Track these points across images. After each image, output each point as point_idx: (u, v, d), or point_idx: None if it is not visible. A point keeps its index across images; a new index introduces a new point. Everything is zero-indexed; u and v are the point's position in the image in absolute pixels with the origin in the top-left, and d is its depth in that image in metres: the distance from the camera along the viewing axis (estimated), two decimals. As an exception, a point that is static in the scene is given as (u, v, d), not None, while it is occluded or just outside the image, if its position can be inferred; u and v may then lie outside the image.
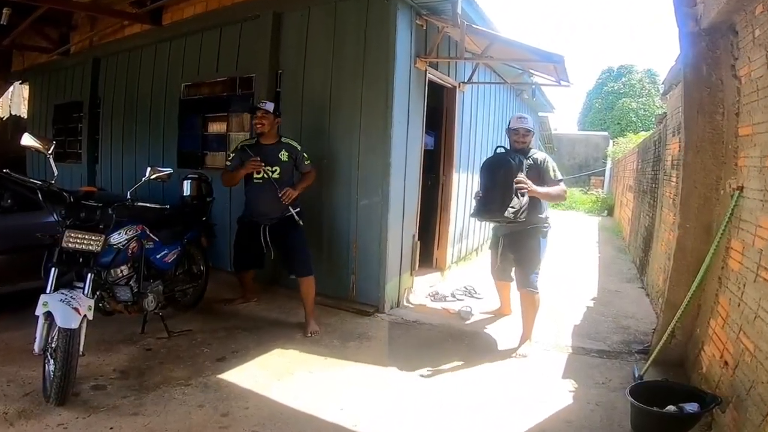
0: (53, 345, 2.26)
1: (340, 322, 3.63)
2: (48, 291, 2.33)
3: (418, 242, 4.31)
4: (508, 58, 4.88)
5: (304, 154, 3.54)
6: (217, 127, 5.00)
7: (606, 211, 13.08)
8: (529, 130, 3.34)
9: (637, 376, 2.66)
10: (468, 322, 3.79)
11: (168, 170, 2.91)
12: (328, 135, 4.04)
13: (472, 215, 3.57)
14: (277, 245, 3.48)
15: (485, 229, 6.22)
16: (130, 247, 2.87)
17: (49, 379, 2.25)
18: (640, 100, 23.52)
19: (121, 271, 2.88)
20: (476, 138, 5.79)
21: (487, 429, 2.32)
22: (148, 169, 2.83)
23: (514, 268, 3.49)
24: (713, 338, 2.53)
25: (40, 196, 2.67)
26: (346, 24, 3.91)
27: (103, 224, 2.57)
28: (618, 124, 22.90)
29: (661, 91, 6.04)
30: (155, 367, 2.75)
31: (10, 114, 10.22)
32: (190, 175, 3.80)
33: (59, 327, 2.22)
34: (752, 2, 2.23)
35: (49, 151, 2.53)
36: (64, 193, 2.61)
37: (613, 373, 2.93)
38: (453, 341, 3.40)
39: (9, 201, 3.26)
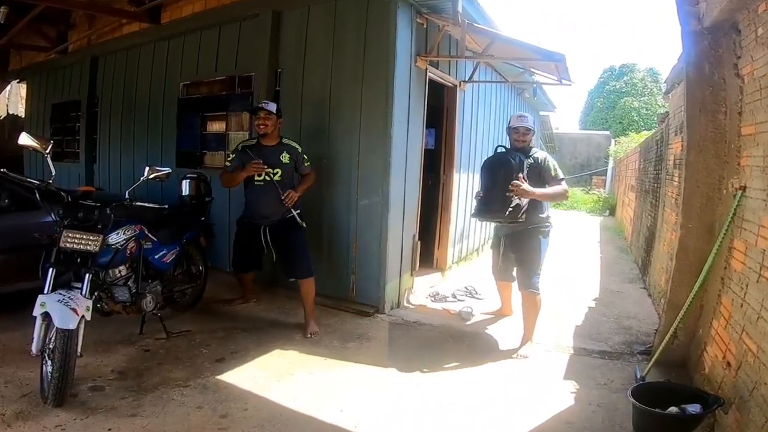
0: (51, 346, 2.25)
1: (340, 323, 3.61)
2: (46, 291, 2.32)
3: (419, 242, 4.30)
4: (509, 57, 4.87)
5: (305, 156, 3.52)
6: (215, 127, 4.98)
7: (608, 211, 13.08)
8: (529, 129, 3.32)
9: (639, 377, 2.64)
10: (469, 322, 3.78)
11: (166, 170, 2.89)
12: (327, 134, 4.02)
13: (472, 215, 3.55)
14: (278, 246, 3.46)
15: (486, 229, 6.21)
16: (129, 247, 2.86)
17: (47, 380, 2.24)
18: (642, 99, 23.52)
19: (120, 272, 2.86)
20: (477, 137, 5.77)
21: (487, 430, 2.30)
22: (147, 168, 2.81)
23: (515, 269, 3.47)
24: (716, 339, 2.52)
25: (37, 195, 2.66)
26: (346, 22, 3.89)
27: (101, 224, 2.55)
28: (620, 123, 22.90)
29: (664, 90, 6.03)
30: (154, 368, 2.73)
31: (8, 113, 10.21)
32: (188, 175, 3.77)
33: (57, 328, 2.21)
34: (755, 0, 2.22)
35: (47, 151, 2.51)
36: (62, 193, 2.60)
37: (614, 374, 2.91)
38: (453, 342, 3.38)
39: (6, 201, 3.24)
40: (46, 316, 2.23)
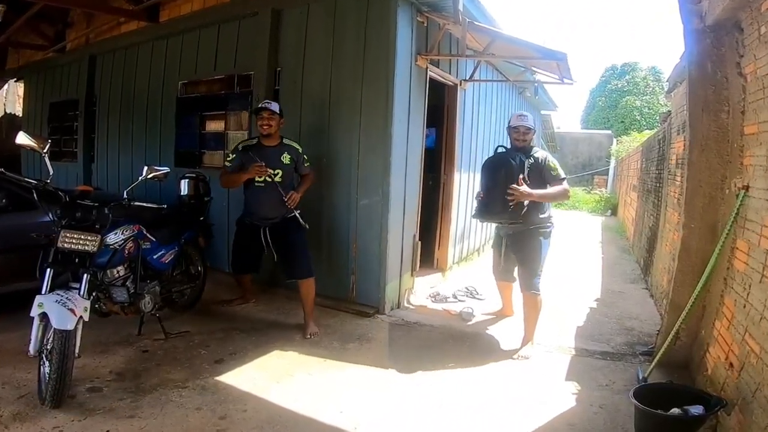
0: (49, 347, 2.23)
1: (340, 324, 3.60)
2: (43, 292, 2.30)
3: (419, 242, 4.28)
4: (511, 56, 4.85)
5: (305, 156, 3.51)
6: (214, 126, 4.96)
7: (609, 211, 13.07)
8: (529, 128, 3.30)
9: (641, 378, 2.63)
10: (469, 323, 3.76)
11: (165, 169, 2.88)
12: (327, 134, 4.00)
13: (473, 216, 3.54)
14: (278, 246, 3.44)
15: (487, 229, 6.19)
16: (127, 247, 2.84)
17: (45, 381, 2.22)
18: (644, 98, 23.48)
19: (118, 272, 2.85)
20: (478, 136, 5.76)
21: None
22: (145, 168, 2.80)
23: (516, 269, 3.46)
24: (718, 340, 2.50)
25: (35, 195, 2.64)
26: (346, 21, 3.87)
27: (99, 224, 2.54)
28: (622, 122, 22.88)
29: (666, 89, 6.00)
30: (152, 369, 2.71)
31: (5, 112, 10.19)
32: (187, 175, 3.76)
33: (55, 328, 2.19)
34: (758, -2, 2.20)
35: (45, 150, 2.49)
36: (60, 193, 2.58)
37: (616, 375, 2.90)
38: (454, 343, 3.37)
39: (4, 200, 3.22)
40: (44, 316, 2.22)
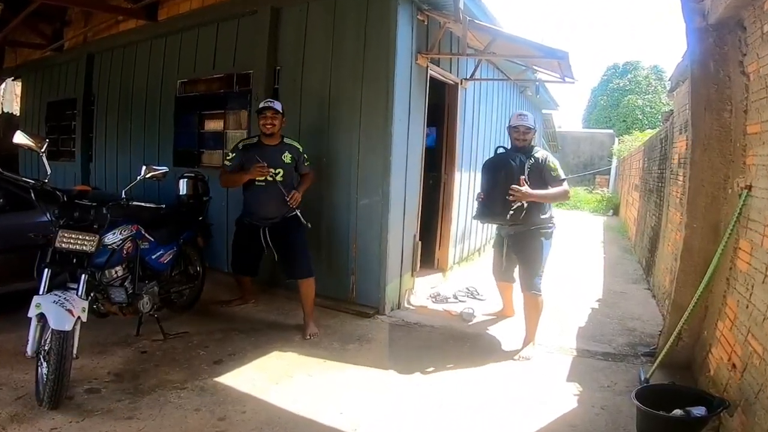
0: (46, 347, 2.22)
1: (340, 324, 3.58)
2: (41, 292, 2.29)
3: (420, 242, 4.26)
4: (512, 55, 4.83)
5: (305, 156, 3.49)
6: (213, 125, 4.94)
7: (611, 211, 13.06)
8: (529, 128, 3.28)
9: (643, 379, 2.62)
10: (470, 323, 3.74)
11: (164, 169, 2.88)
12: (327, 133, 3.98)
13: (474, 218, 3.53)
14: (278, 246, 3.42)
15: (488, 229, 6.17)
16: (125, 247, 2.83)
17: (42, 383, 2.21)
18: (646, 97, 23.43)
19: (116, 272, 2.83)
20: (479, 136, 5.74)
21: (489, 433, 2.28)
22: (144, 167, 2.79)
23: (517, 269, 3.44)
24: (721, 340, 2.49)
25: (32, 195, 2.64)
26: (346, 19, 3.85)
27: (97, 224, 2.53)
28: (623, 121, 22.83)
29: (668, 88, 5.98)
30: (150, 370, 2.70)
31: (3, 111, 10.15)
32: (186, 174, 3.74)
33: (52, 329, 2.18)
34: (762, -3, 2.18)
35: (42, 150, 2.48)
36: (58, 192, 2.57)
37: (618, 376, 2.88)
38: (454, 343, 3.35)
39: (1, 200, 3.21)
40: (42, 317, 2.21)
